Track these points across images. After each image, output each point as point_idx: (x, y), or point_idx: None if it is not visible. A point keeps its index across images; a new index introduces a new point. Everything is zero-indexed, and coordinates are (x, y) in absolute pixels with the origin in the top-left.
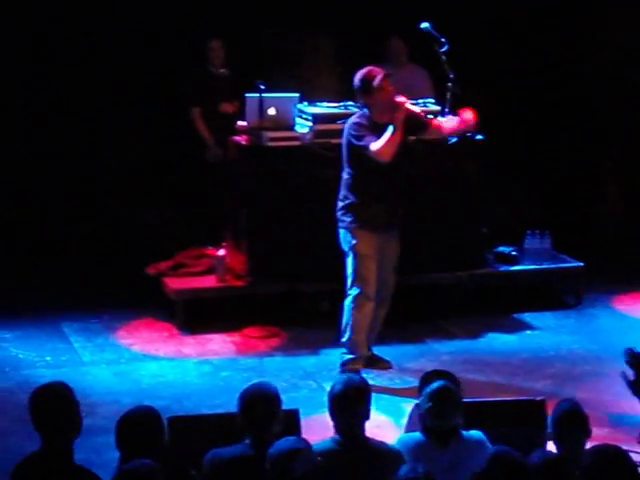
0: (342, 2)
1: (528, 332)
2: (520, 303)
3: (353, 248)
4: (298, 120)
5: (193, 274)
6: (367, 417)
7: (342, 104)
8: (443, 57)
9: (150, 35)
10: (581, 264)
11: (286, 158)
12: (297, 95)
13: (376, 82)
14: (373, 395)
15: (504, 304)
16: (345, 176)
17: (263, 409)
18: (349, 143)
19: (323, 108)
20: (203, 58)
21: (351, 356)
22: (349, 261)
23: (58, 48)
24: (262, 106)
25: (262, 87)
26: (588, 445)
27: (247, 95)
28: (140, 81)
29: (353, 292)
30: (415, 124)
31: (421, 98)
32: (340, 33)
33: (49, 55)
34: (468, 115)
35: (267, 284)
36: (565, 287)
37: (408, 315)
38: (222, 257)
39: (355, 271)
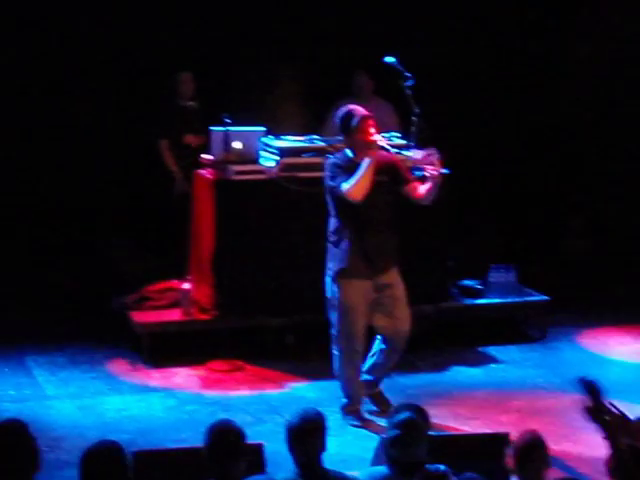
0: (308, 37)
1: (493, 365)
2: (485, 336)
3: (337, 300)
4: (262, 153)
5: (158, 307)
6: (323, 449)
7: (307, 138)
8: (408, 91)
9: (119, 66)
10: (546, 298)
11: (252, 191)
12: (263, 129)
13: (354, 122)
14: (339, 430)
15: (469, 337)
16: (331, 219)
17: (228, 447)
18: (326, 184)
19: (289, 142)
20: (171, 90)
21: (347, 401)
22: (332, 313)
23: (23, 81)
24: (227, 139)
25: (228, 121)
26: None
27: (212, 128)
28: (108, 112)
29: (340, 347)
30: (397, 175)
31: (387, 132)
32: (306, 67)
33: (15, 86)
34: (434, 173)
35: (232, 318)
36: (530, 321)
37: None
38: (187, 290)
39: (340, 327)
